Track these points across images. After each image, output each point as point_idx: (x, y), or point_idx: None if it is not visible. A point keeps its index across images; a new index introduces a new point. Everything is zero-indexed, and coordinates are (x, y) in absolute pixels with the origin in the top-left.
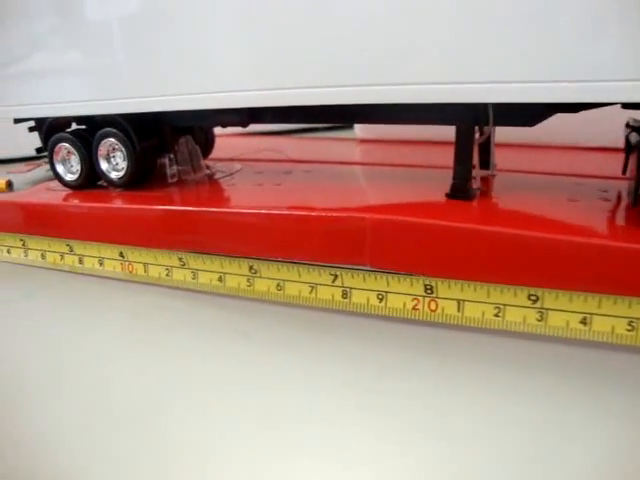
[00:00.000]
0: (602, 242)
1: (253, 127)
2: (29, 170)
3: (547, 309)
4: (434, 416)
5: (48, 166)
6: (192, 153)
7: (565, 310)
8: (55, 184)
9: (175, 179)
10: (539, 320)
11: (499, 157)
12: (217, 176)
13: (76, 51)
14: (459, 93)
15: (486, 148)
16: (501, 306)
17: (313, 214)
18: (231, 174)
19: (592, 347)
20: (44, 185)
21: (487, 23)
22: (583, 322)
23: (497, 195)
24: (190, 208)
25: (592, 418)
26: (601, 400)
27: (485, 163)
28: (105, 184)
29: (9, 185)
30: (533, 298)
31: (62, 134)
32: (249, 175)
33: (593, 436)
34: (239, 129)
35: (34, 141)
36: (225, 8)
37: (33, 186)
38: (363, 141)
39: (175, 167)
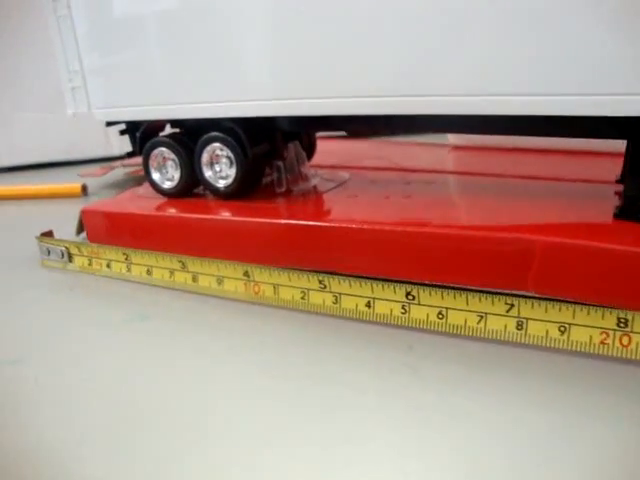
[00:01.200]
0: None
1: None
2: (103, 174)
3: None
4: None
5: (122, 169)
6: (299, 160)
7: None
8: (144, 190)
9: (283, 188)
10: None
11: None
12: (327, 186)
13: (185, 52)
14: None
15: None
16: None
17: (479, 234)
18: (342, 184)
19: None
20: (131, 192)
21: None
22: None
23: None
24: (332, 224)
25: None
26: None
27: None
28: (202, 192)
29: (84, 189)
30: None
31: (160, 138)
32: (364, 185)
33: None
34: None
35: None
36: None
37: (120, 192)
38: (457, 148)
39: (283, 174)
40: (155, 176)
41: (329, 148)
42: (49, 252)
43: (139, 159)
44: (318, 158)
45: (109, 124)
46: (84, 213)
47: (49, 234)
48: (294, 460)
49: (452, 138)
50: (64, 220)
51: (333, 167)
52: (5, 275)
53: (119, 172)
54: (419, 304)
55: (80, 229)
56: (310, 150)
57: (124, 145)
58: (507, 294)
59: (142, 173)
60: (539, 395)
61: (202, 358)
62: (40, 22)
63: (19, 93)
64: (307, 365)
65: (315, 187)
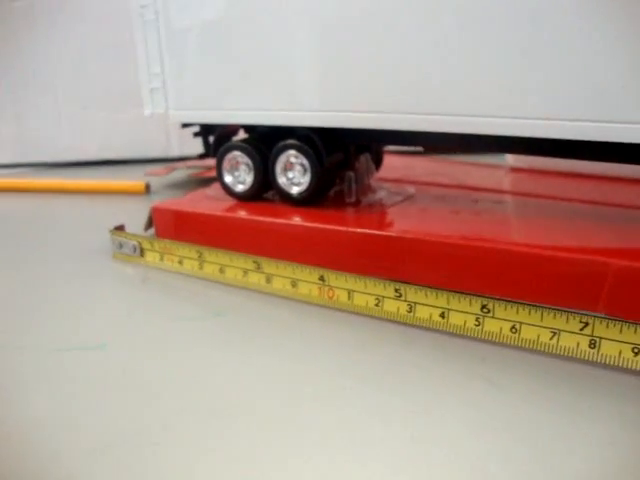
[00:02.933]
0: None
1: None
2: (167, 173)
3: None
4: None
5: (184, 170)
6: (368, 172)
7: None
8: (213, 192)
9: (353, 199)
10: None
11: None
12: (394, 199)
13: (263, 61)
14: None
15: None
16: None
17: (556, 254)
18: (408, 198)
19: None
20: (200, 192)
21: None
22: None
23: None
24: (408, 235)
25: None
26: None
27: None
28: (272, 197)
29: (147, 188)
30: None
31: (235, 142)
32: (431, 200)
33: None
34: None
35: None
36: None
37: (184, 193)
38: (514, 169)
39: (354, 185)
40: (228, 179)
41: (393, 163)
42: (121, 245)
43: (203, 162)
44: (382, 172)
45: (184, 126)
46: (154, 210)
47: (121, 228)
48: (369, 465)
49: (510, 159)
50: (130, 216)
51: (398, 181)
52: (80, 265)
53: (181, 173)
54: (493, 317)
55: (149, 225)
56: (377, 163)
57: (184, 147)
58: (582, 313)
59: (205, 175)
60: (609, 413)
61: (277, 357)
62: (107, 27)
63: (88, 93)
64: (383, 372)
65: (382, 199)
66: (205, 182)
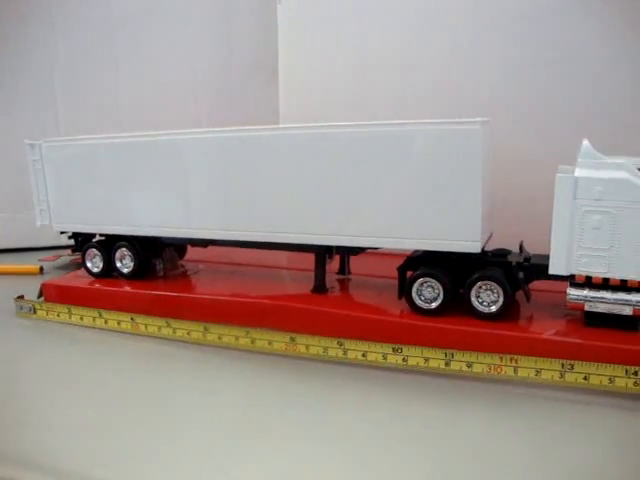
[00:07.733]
0: (386, 318)
1: None
2: (55, 260)
3: (347, 349)
4: None
5: (67, 257)
6: (173, 257)
7: (356, 348)
8: (81, 273)
9: (162, 274)
10: (342, 354)
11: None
12: (189, 273)
13: (102, 195)
14: (320, 240)
15: (344, 260)
16: (344, 350)
17: (240, 299)
18: (197, 272)
19: None
20: (74, 274)
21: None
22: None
23: (343, 292)
24: (175, 294)
25: None
26: None
27: (342, 270)
28: (116, 274)
29: (41, 269)
30: (340, 344)
31: (92, 243)
32: (208, 273)
33: None
34: None
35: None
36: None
37: (66, 273)
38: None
39: (162, 266)
40: (88, 264)
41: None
42: (21, 307)
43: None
44: (191, 255)
45: (62, 232)
46: (44, 285)
47: (22, 297)
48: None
49: None
50: (29, 289)
51: (197, 261)
52: None
53: (65, 259)
54: (210, 332)
55: (40, 295)
56: (182, 251)
57: (69, 240)
58: (246, 327)
59: (80, 261)
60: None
61: (101, 363)
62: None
63: None
64: (156, 372)
65: (181, 274)
66: (80, 265)
